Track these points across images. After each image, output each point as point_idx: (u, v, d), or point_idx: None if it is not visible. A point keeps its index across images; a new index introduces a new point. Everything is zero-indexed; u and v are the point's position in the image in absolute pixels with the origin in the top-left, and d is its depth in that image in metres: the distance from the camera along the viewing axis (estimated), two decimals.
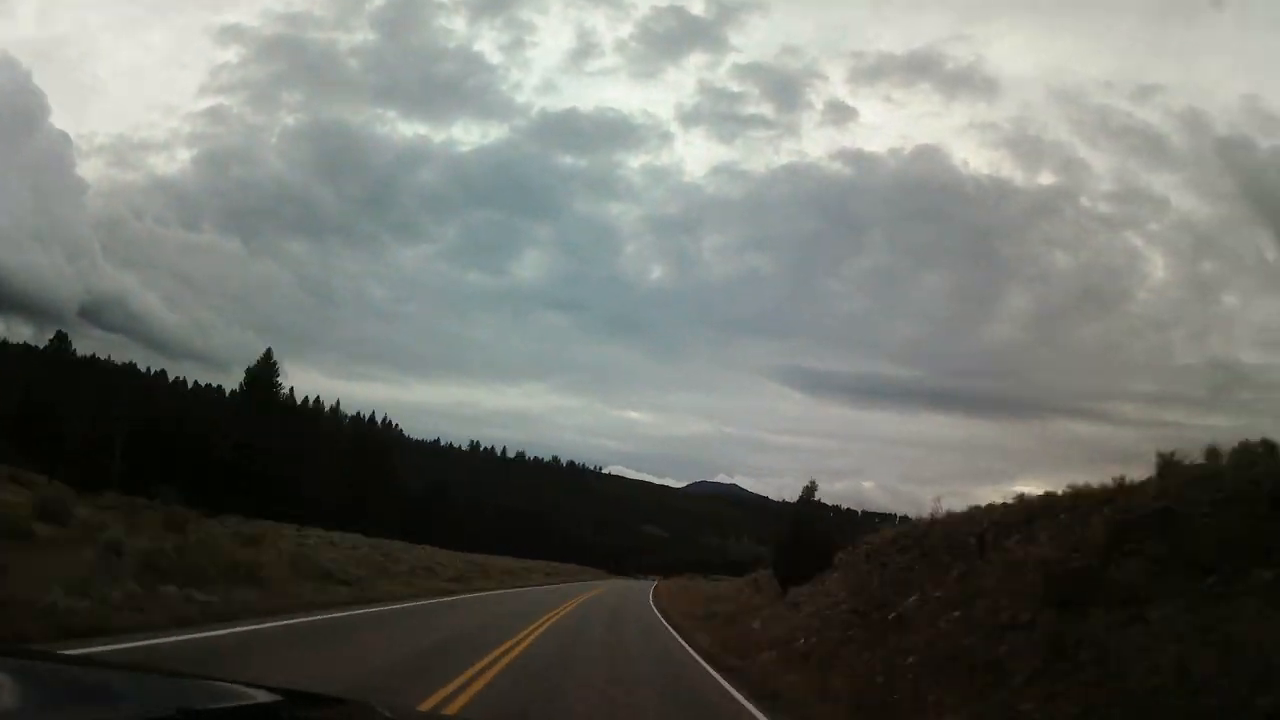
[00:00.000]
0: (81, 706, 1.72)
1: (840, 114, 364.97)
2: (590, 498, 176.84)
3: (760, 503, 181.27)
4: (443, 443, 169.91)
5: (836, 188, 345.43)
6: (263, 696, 2.05)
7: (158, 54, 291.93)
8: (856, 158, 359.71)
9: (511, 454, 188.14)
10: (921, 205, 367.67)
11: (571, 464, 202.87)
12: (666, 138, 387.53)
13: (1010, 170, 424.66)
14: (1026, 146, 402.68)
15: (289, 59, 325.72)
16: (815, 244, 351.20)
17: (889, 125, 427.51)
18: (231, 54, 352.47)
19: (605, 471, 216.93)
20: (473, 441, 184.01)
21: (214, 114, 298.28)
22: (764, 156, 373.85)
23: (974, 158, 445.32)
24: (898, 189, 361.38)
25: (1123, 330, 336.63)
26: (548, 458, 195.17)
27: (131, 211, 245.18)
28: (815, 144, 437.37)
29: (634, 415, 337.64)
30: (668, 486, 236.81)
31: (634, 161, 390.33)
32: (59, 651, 4.55)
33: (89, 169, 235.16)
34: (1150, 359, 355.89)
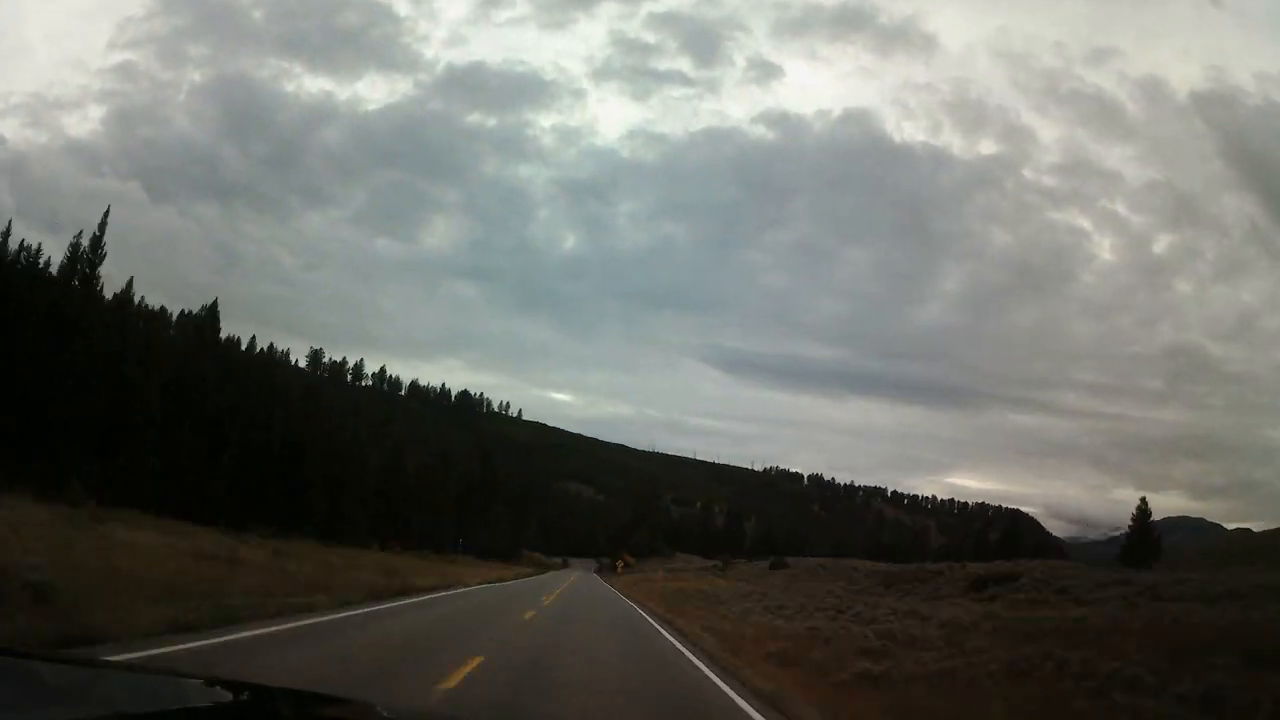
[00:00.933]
0: (81, 706, 1.71)
1: (764, 71, 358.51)
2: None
3: None
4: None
5: (759, 153, 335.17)
6: (264, 695, 2.08)
7: (71, 6, 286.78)
8: (781, 120, 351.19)
9: None
10: (850, 173, 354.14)
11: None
12: (579, 95, 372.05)
13: (948, 137, 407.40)
14: (966, 112, 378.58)
15: (194, 10, 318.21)
16: (736, 213, 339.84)
17: (817, 85, 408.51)
18: (138, 5, 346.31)
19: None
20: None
21: (123, 70, 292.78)
22: (682, 118, 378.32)
23: (909, 123, 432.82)
24: (825, 155, 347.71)
25: (1066, 314, 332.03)
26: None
27: (44, 170, 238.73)
28: (737, 104, 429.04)
29: (556, 396, 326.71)
30: None
31: (544, 121, 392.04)
32: (59, 651, 4.58)
33: (4, 127, 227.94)
34: (1097, 346, 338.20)
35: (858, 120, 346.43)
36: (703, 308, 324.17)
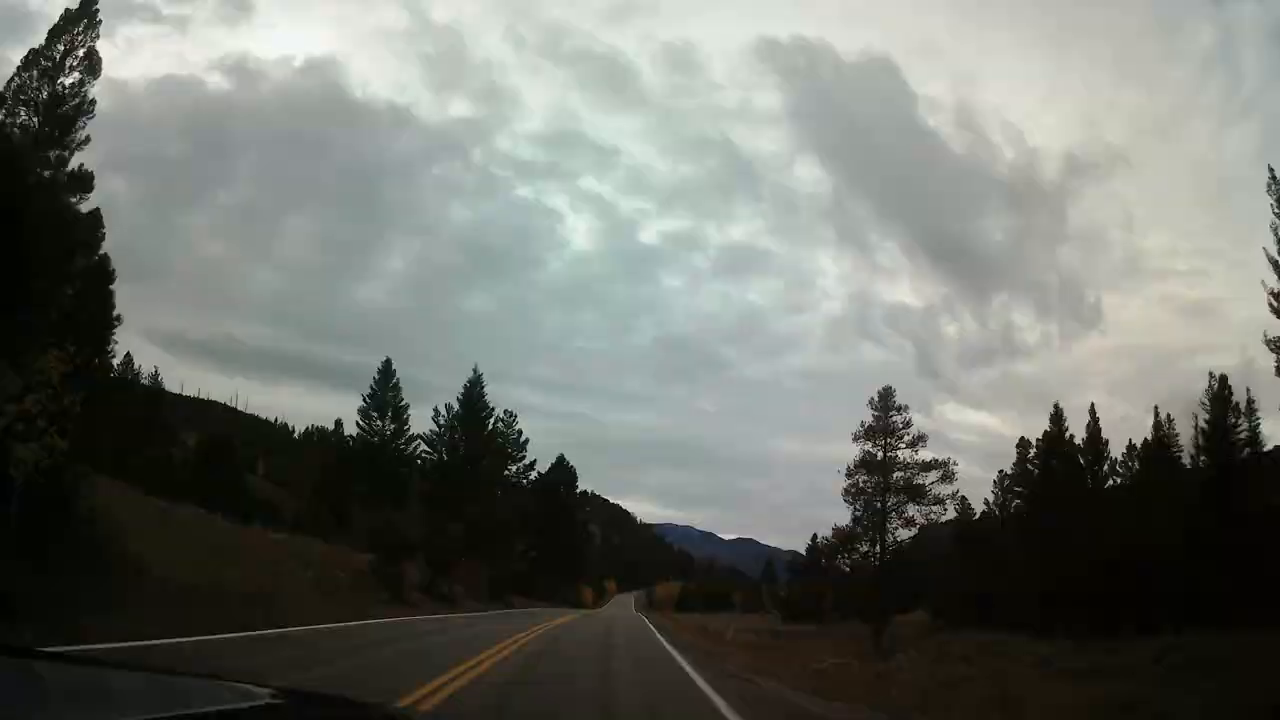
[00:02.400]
0: (81, 706, 1.71)
1: (236, 8, 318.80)
2: None
3: None
4: None
5: (213, 103, 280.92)
6: (265, 696, 2.05)
7: None
8: (240, 67, 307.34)
9: None
10: (303, 131, 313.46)
11: None
12: (20, 20, 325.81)
13: (418, 94, 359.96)
14: (445, 67, 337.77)
15: None
16: (181, 170, 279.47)
17: (285, 27, 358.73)
18: None
19: None
20: None
21: None
22: (143, 61, 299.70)
23: (378, 76, 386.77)
24: (279, 109, 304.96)
25: (531, 303, 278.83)
26: None
27: None
28: (201, 48, 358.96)
29: None
30: None
31: None
32: (59, 651, 4.35)
33: None
34: (558, 339, 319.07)
35: (322, 71, 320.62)
36: (142, 278, 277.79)
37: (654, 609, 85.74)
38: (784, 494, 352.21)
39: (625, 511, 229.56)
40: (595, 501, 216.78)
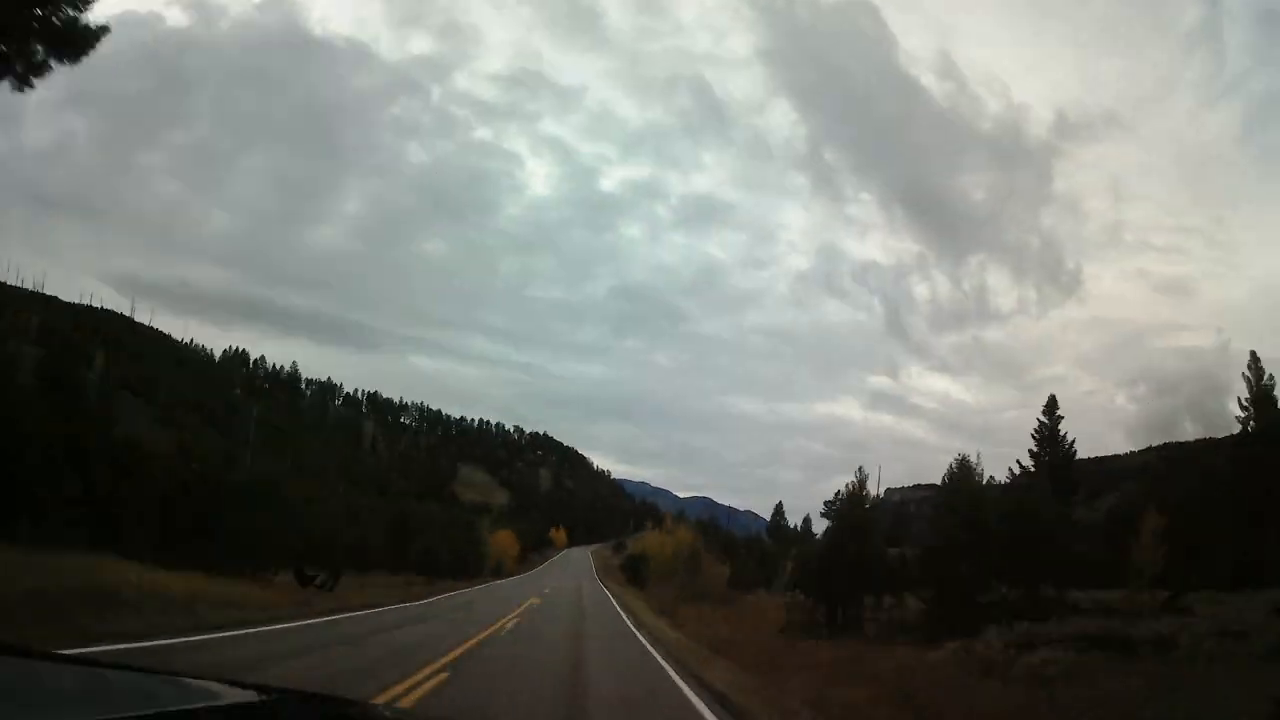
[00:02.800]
0: (82, 706, 1.70)
1: None
2: None
3: None
4: None
5: (172, 37, 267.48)
6: (262, 696, 2.04)
7: None
8: (199, 2, 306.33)
9: None
10: (260, 67, 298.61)
11: None
12: None
13: (377, 30, 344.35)
14: (406, 1, 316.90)
15: None
16: (139, 107, 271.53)
17: None
18: None
19: None
20: None
21: None
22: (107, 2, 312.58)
23: (337, 12, 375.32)
24: (237, 45, 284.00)
25: (485, 250, 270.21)
26: None
27: None
28: None
29: None
30: None
31: None
32: (59, 651, 4.51)
33: None
34: (513, 287, 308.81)
35: (278, 3, 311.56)
36: (99, 216, 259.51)
37: (637, 587, 56.69)
38: (741, 453, 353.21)
39: (581, 456, 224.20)
40: (545, 443, 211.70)
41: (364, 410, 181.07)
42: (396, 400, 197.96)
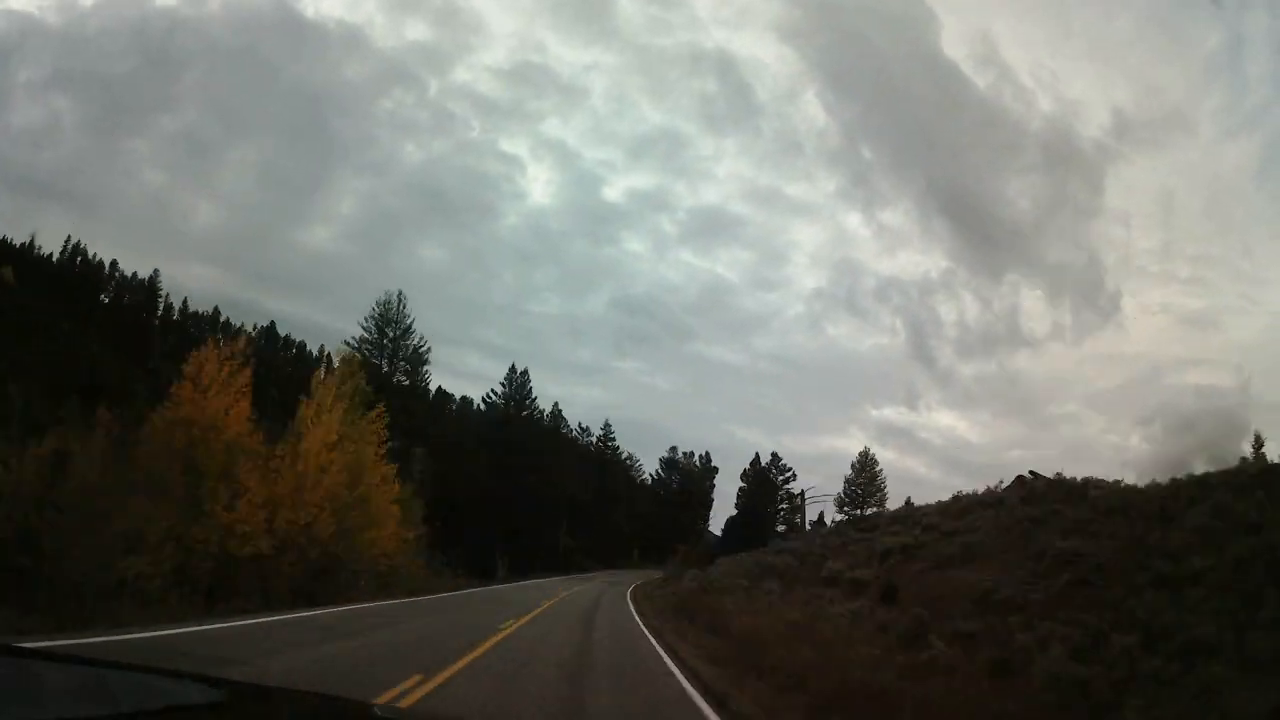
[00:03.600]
0: (81, 706, 1.71)
1: None
2: None
3: None
4: None
5: (162, 17, 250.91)
6: (264, 695, 2.06)
7: None
8: None
9: None
10: (251, 50, 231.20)
11: None
12: None
13: (372, 13, 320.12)
14: None
15: None
16: (127, 90, 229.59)
17: None
18: None
19: None
20: None
21: None
22: None
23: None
24: (227, 25, 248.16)
25: (483, 259, 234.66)
26: None
27: None
28: None
29: None
30: None
31: None
32: (59, 651, 4.33)
33: None
34: (513, 300, 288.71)
35: None
36: (86, 203, 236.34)
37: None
38: (734, 484, 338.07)
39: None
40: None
41: None
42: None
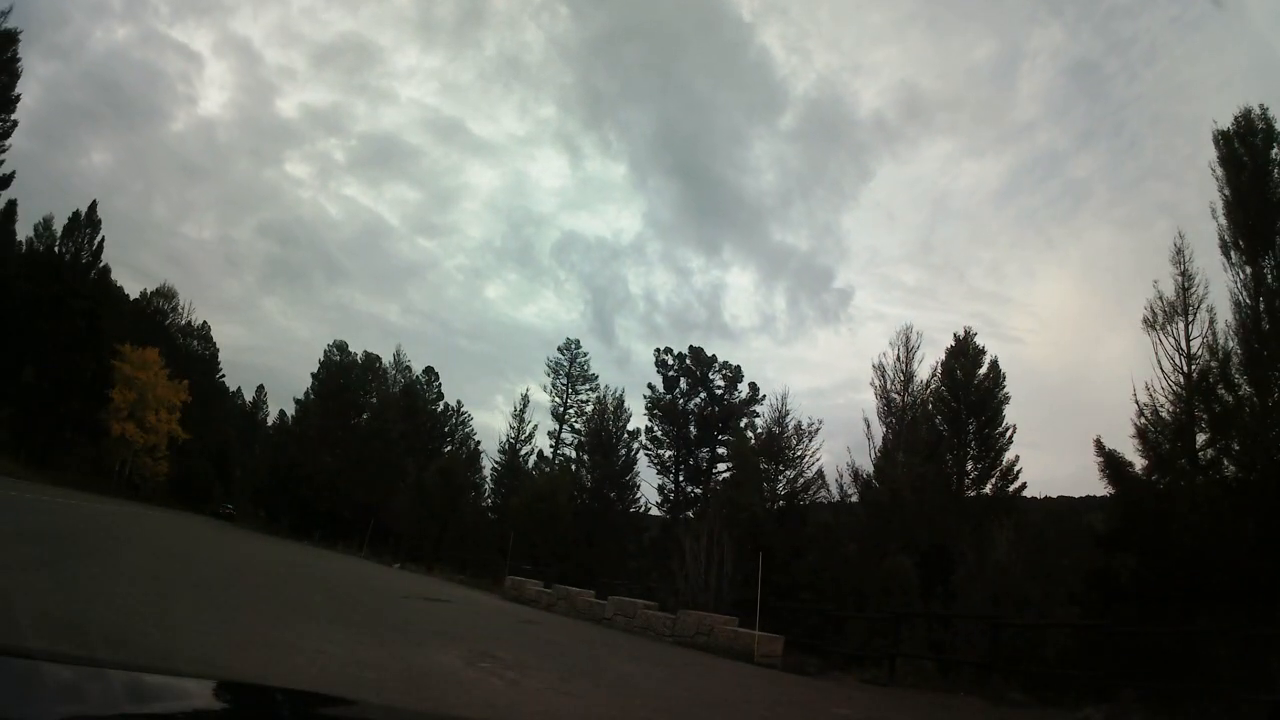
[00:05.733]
0: (81, 707, 1.71)
1: None
2: None
3: None
4: None
5: None
6: (264, 695, 2.07)
7: None
8: None
9: None
10: None
11: None
12: None
13: None
14: None
15: None
16: None
17: None
18: None
19: None
20: None
21: None
22: None
23: None
24: None
25: (154, 167, 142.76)
26: None
27: None
28: None
29: None
30: None
31: None
32: (59, 652, 4.46)
33: None
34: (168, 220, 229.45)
35: None
36: None
37: None
38: None
39: None
40: None
41: None
42: None
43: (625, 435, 54.89)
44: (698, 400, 57.16)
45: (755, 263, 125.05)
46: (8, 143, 46.14)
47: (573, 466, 55.67)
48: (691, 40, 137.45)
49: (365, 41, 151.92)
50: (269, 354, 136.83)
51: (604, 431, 54.34)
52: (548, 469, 57.46)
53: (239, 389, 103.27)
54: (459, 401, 73.69)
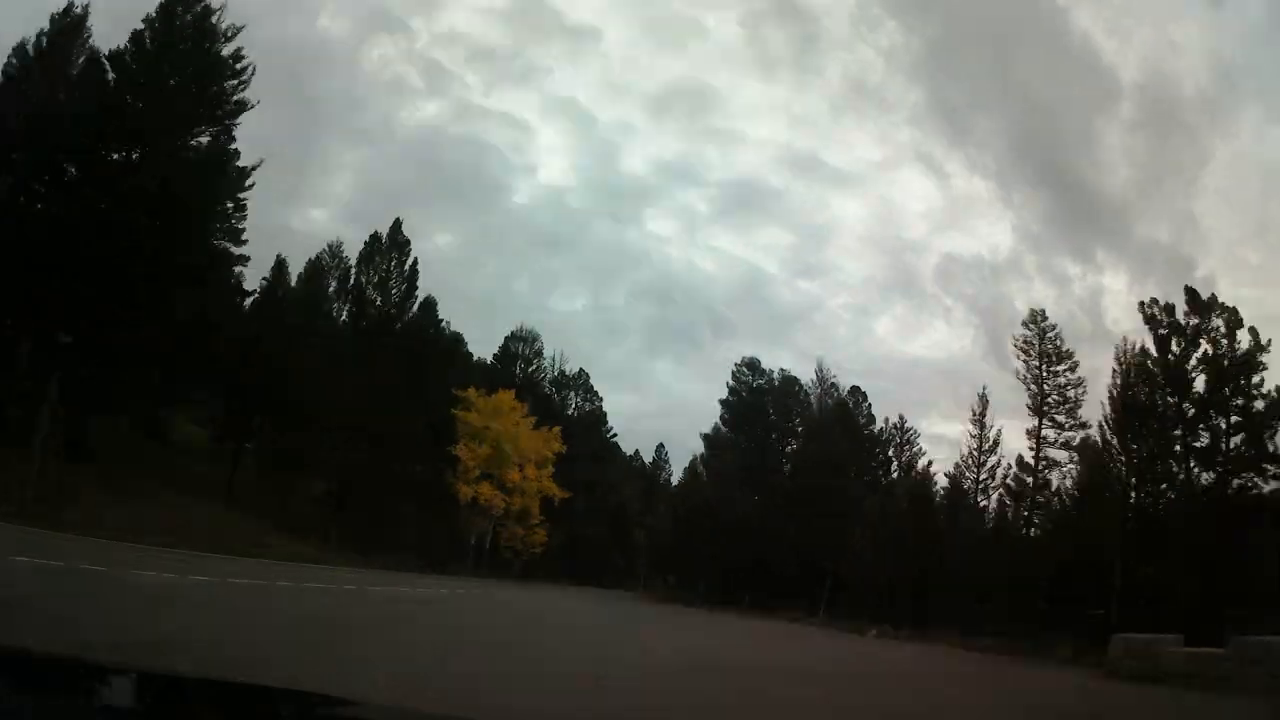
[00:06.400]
0: (81, 706, 1.68)
1: None
2: None
3: None
4: None
5: None
6: (264, 695, 2.02)
7: None
8: None
9: None
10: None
11: None
12: None
13: None
14: None
15: None
16: None
17: None
18: None
19: None
20: None
21: None
22: None
23: None
24: None
25: (491, 246, 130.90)
26: None
27: None
28: None
29: None
30: None
31: None
32: (59, 652, 3.78)
33: None
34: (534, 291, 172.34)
35: None
36: None
37: None
38: None
39: None
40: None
41: None
42: None
43: None
44: None
45: (1125, 263, 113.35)
46: None
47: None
48: (1014, 34, 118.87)
49: (700, 85, 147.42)
50: (663, 418, 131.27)
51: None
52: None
53: (636, 450, 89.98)
54: (901, 416, 55.27)
